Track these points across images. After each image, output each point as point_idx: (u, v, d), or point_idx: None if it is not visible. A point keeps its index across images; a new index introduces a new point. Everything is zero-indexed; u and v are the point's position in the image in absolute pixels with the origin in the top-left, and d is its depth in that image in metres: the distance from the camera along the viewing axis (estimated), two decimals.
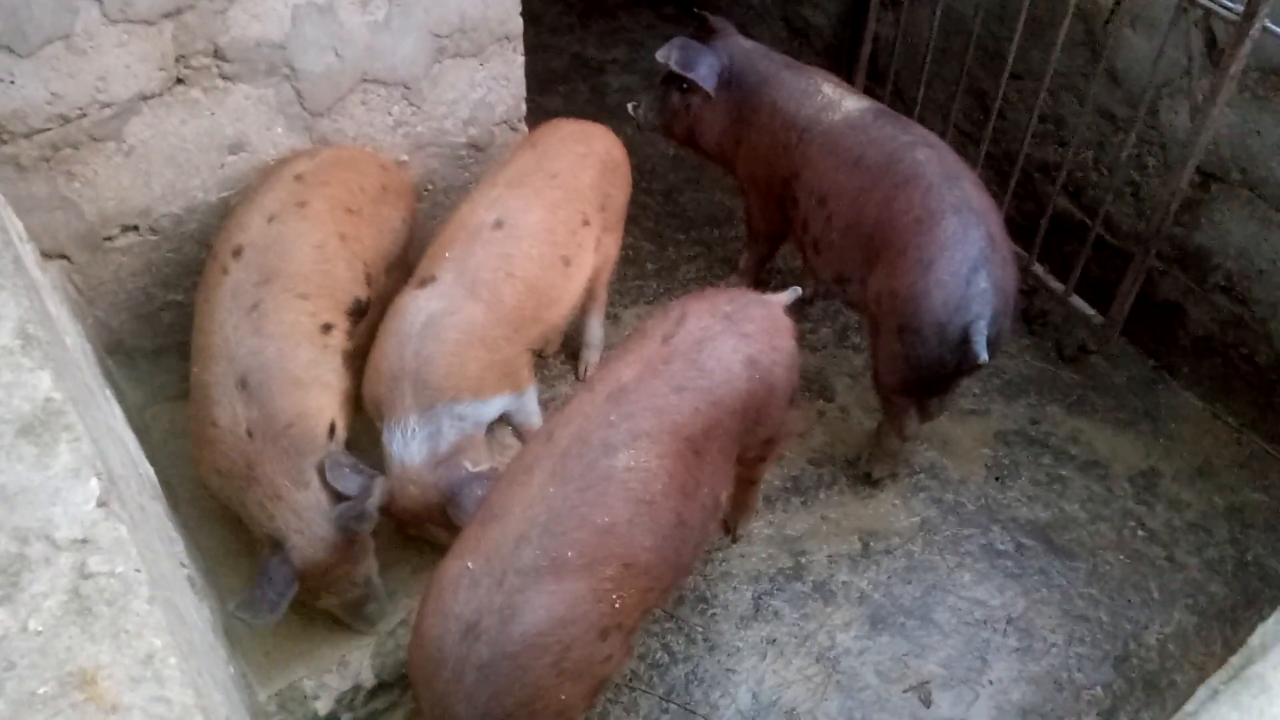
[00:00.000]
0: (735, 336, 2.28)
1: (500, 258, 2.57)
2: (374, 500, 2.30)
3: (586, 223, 2.83)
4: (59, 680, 1.11)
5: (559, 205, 2.74)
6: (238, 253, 2.42)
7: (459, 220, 2.65)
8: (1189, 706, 1.04)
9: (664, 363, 2.19)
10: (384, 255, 2.73)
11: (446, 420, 2.44)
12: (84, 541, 1.24)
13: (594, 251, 2.90)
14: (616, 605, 1.99)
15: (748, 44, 3.30)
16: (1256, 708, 0.97)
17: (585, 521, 1.96)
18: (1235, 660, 1.09)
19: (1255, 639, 1.10)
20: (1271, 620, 1.12)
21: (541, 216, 2.68)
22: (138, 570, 1.22)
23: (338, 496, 2.32)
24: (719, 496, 2.34)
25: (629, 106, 3.54)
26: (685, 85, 3.26)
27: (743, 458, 2.46)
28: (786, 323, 2.47)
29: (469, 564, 1.93)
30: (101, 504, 1.29)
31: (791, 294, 2.60)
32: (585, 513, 1.96)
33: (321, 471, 2.31)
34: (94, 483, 1.30)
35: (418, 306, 2.47)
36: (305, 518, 2.28)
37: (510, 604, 1.87)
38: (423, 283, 2.52)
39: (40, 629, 1.16)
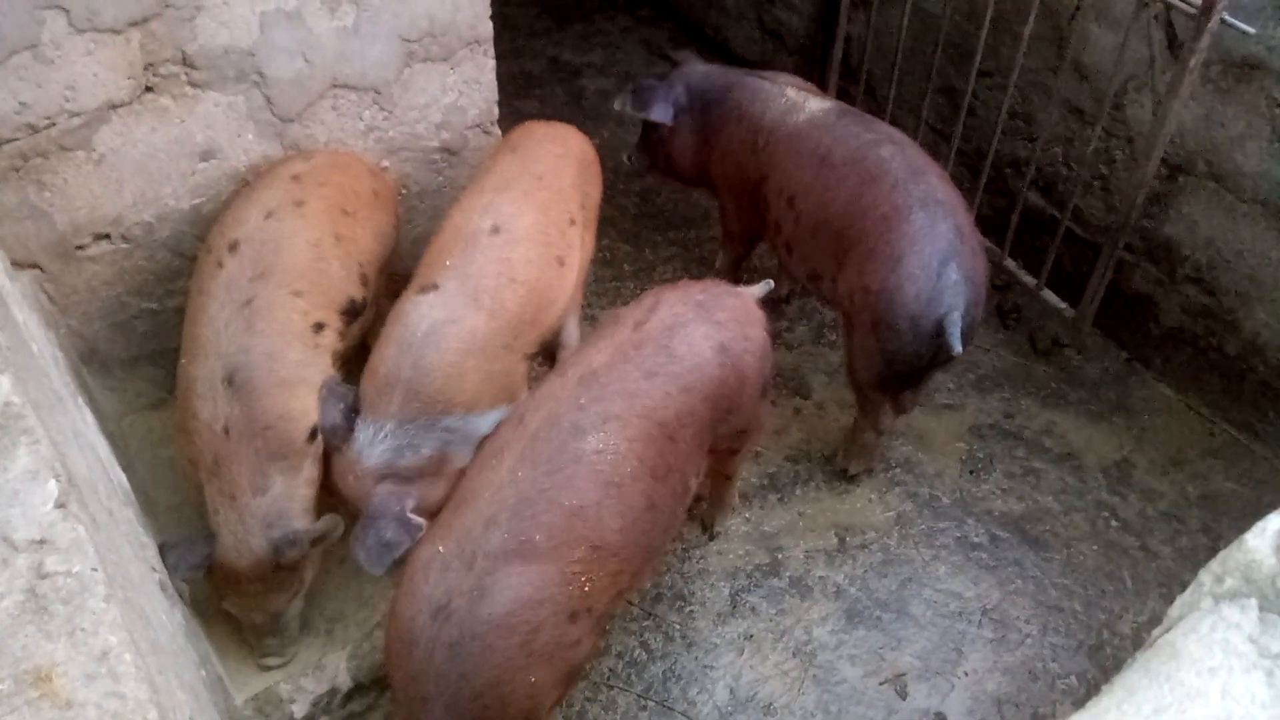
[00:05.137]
0: (707, 324, 2.31)
1: (501, 263, 2.58)
2: (317, 531, 2.33)
3: (573, 222, 2.85)
4: (14, 678, 1.12)
5: (548, 206, 2.76)
6: (234, 247, 2.43)
7: (454, 228, 2.64)
8: (1114, 677, 1.07)
9: (635, 348, 2.22)
10: (377, 258, 2.76)
11: (426, 434, 2.44)
12: (42, 542, 1.26)
13: (579, 250, 2.92)
14: (586, 588, 2.02)
15: (705, 66, 3.40)
16: (1165, 673, 1.00)
17: (554, 504, 1.98)
18: (1156, 632, 1.12)
19: (1174, 610, 1.13)
20: (1188, 592, 1.15)
21: (535, 219, 2.70)
22: (95, 569, 1.23)
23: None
24: (689, 481, 2.36)
25: (624, 157, 3.74)
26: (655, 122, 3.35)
27: (716, 449, 2.48)
28: (759, 314, 2.50)
29: (440, 548, 1.96)
30: (60, 505, 1.30)
31: (764, 287, 2.62)
32: (554, 495, 1.99)
33: (280, 481, 2.32)
34: (52, 484, 1.31)
35: (420, 314, 2.45)
36: (246, 524, 2.28)
37: (479, 586, 1.90)
38: (424, 289, 2.51)
39: None
